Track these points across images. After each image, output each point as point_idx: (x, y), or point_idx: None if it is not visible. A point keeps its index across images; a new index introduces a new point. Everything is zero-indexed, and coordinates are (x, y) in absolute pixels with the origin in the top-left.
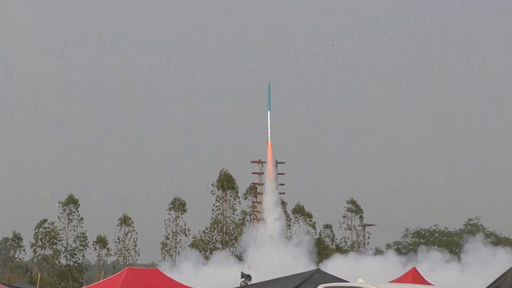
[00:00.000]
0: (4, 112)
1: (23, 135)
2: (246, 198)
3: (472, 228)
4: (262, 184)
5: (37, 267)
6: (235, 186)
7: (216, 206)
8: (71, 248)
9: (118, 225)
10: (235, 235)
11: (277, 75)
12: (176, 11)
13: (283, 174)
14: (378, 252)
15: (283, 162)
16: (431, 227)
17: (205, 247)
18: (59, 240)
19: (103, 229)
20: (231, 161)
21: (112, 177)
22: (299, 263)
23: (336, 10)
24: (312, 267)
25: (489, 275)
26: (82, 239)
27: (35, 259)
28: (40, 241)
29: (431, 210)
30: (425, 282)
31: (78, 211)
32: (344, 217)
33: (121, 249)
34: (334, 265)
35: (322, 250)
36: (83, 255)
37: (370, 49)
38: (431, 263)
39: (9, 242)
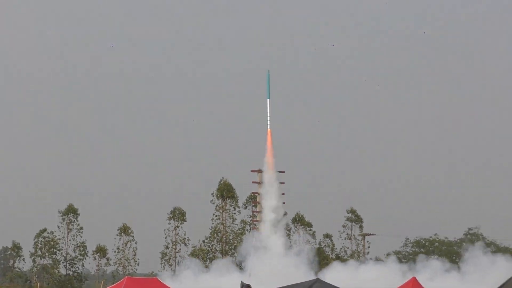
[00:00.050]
0: (4, 112)
1: (23, 135)
2: (246, 208)
3: (472, 238)
4: (261, 185)
5: (37, 276)
6: (235, 196)
7: (216, 216)
8: (71, 257)
9: (117, 235)
10: (234, 244)
11: (277, 75)
12: (176, 11)
13: (283, 183)
14: (377, 260)
15: (283, 171)
16: (431, 237)
17: (204, 257)
18: (59, 250)
19: (103, 239)
20: (231, 170)
21: (112, 186)
22: (299, 272)
23: (336, 10)
24: (312, 276)
25: (489, 284)
26: (81, 249)
27: (35, 268)
28: (39, 251)
29: (431, 219)
30: None
31: (77, 221)
32: (344, 226)
33: (121, 259)
34: (333, 274)
35: (322, 260)
36: (83, 265)
37: (370, 49)
38: (431, 272)
39: (9, 252)
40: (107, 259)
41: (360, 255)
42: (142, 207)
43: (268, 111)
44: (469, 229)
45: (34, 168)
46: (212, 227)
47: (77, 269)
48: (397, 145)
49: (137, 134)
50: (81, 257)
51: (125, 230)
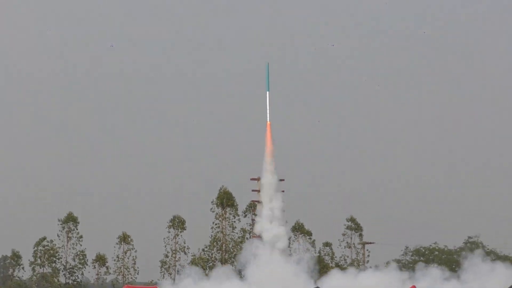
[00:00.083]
0: (4, 112)
1: (22, 135)
2: (245, 216)
3: (472, 246)
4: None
5: (36, 285)
6: (235, 204)
7: (216, 224)
8: (70, 266)
9: (117, 243)
10: (234, 253)
11: (277, 75)
12: (176, 11)
13: (283, 191)
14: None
15: (283, 180)
16: (430, 245)
17: (204, 265)
18: (58, 258)
19: (102, 247)
20: (230, 178)
21: (112, 195)
22: (299, 280)
23: (336, 10)
24: (311, 284)
25: None
26: (81, 257)
27: (34, 277)
28: (39, 259)
29: (431, 227)
30: None
31: (77, 229)
32: (343, 235)
33: (120, 267)
34: (333, 281)
35: (322, 268)
36: (82, 273)
37: (370, 49)
38: (431, 281)
39: (8, 260)
40: (107, 268)
41: (360, 263)
42: (142, 215)
43: (268, 104)
44: (469, 237)
45: (33, 175)
46: (211, 236)
47: (76, 277)
48: (397, 145)
49: (137, 135)
50: (81, 266)
51: (124, 238)
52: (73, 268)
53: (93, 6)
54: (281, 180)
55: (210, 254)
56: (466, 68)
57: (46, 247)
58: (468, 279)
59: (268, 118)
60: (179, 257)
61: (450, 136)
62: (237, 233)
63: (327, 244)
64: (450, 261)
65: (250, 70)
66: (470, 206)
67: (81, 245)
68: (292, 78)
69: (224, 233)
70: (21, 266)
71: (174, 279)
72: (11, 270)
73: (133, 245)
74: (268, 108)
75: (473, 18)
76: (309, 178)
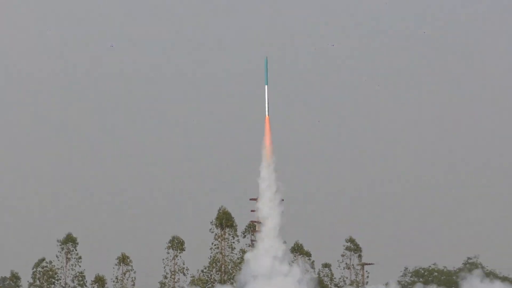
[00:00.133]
0: (4, 112)
1: (22, 135)
2: (245, 237)
3: (471, 267)
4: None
5: None
6: (234, 224)
7: (215, 245)
8: (69, 287)
9: (116, 264)
10: (234, 274)
11: (277, 74)
12: (176, 11)
13: (282, 211)
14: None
15: (282, 200)
16: (430, 266)
17: (203, 287)
18: (57, 280)
19: (102, 268)
20: (229, 199)
21: (111, 215)
22: None
23: (336, 10)
24: None
25: None
26: (80, 279)
27: None
28: (38, 281)
29: (430, 248)
30: None
31: (76, 250)
32: (343, 256)
33: None
34: None
35: None
36: None
37: (370, 49)
38: None
39: (7, 282)
40: None
41: (359, 284)
42: (141, 236)
43: (266, 97)
44: (468, 258)
45: (31, 195)
46: (211, 257)
47: None
48: (397, 149)
49: (136, 141)
50: (80, 287)
51: (124, 259)
52: None
53: (93, 6)
54: (282, 200)
55: (209, 275)
56: (466, 68)
57: (45, 268)
58: None
59: (267, 113)
60: (178, 278)
61: (450, 136)
62: (236, 254)
63: (326, 265)
64: (449, 282)
65: (250, 70)
66: (469, 227)
67: (80, 266)
68: (292, 79)
69: (223, 254)
70: (20, 287)
71: None
72: None
73: (132, 266)
74: (266, 102)
75: (473, 18)
76: (309, 197)
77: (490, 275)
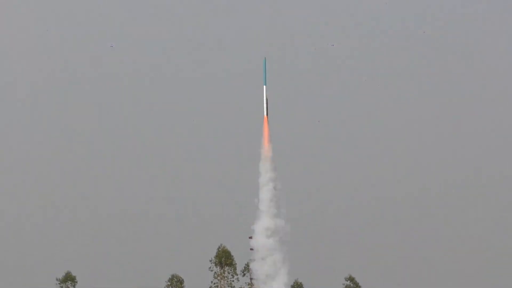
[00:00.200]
0: (4, 113)
1: (22, 135)
2: (244, 275)
3: None
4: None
5: None
6: (233, 263)
7: (214, 284)
8: None
9: None
10: None
11: (277, 74)
12: (176, 11)
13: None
14: None
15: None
16: None
17: None
18: None
19: None
20: (228, 237)
21: (109, 253)
22: None
23: (336, 10)
24: None
25: None
26: None
27: None
28: None
29: (430, 286)
30: None
31: None
32: None
33: None
34: None
35: None
36: None
37: (370, 49)
38: None
39: None
40: None
41: None
42: (140, 274)
43: (265, 97)
44: None
45: (29, 233)
46: None
47: None
48: (398, 145)
49: (136, 138)
50: None
51: None
52: None
53: (93, 6)
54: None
55: None
56: (466, 68)
57: None
58: None
59: (265, 113)
60: None
61: (450, 136)
62: None
63: None
64: None
65: (250, 70)
66: (468, 264)
67: None
68: (292, 79)
69: None
70: None
71: None
72: None
73: None
74: (265, 102)
75: (473, 18)
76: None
77: None
